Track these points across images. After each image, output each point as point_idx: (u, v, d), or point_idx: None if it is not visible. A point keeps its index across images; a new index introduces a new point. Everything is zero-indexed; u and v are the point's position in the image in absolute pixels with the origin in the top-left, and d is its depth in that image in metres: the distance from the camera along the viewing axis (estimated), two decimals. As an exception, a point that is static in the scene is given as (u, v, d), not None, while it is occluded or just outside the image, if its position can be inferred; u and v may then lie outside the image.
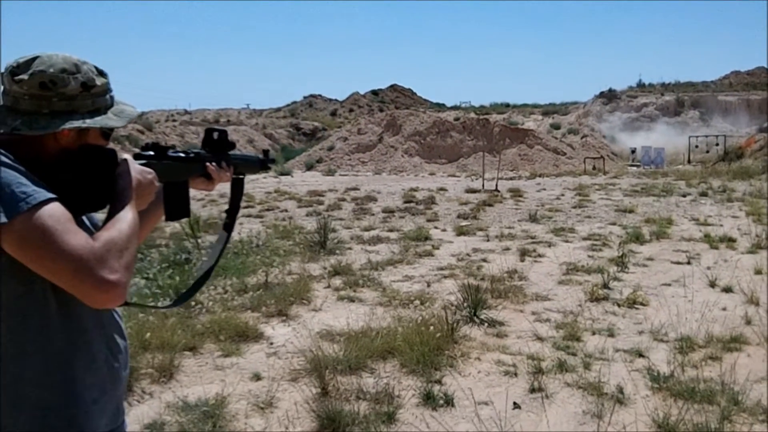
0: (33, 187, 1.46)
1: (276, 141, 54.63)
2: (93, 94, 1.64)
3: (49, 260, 1.44)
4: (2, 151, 1.51)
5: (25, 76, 1.56)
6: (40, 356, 1.58)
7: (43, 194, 1.47)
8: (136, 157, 1.82)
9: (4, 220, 1.42)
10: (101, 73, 1.69)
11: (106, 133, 1.73)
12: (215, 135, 2.13)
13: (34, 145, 1.60)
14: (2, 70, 1.62)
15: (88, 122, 1.62)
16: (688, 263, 9.53)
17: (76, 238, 1.46)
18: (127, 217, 1.59)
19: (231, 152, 2.18)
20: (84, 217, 1.75)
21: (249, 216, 15.83)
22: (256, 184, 24.66)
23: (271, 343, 6.03)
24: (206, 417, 4.37)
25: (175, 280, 7.43)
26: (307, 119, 71.05)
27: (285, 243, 11.14)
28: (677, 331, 6.20)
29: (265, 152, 2.48)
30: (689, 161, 38.71)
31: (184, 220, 9.95)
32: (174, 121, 59.59)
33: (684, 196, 18.89)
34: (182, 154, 2.00)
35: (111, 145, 1.74)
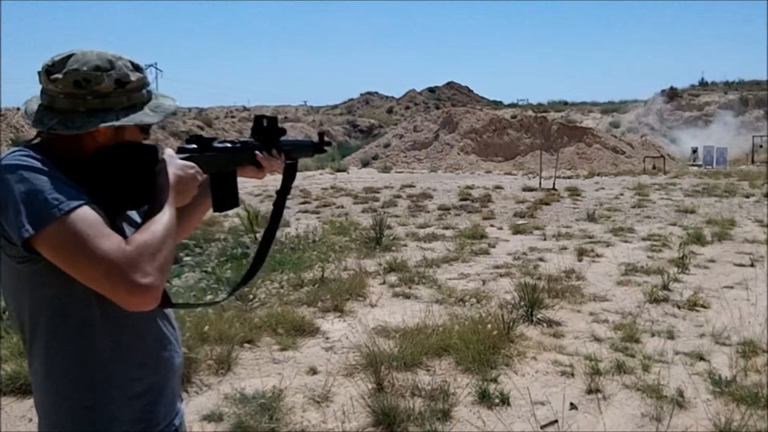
0: (65, 193, 1.47)
1: (333, 138, 54.84)
2: (128, 90, 1.63)
3: (83, 265, 1.45)
4: (36, 155, 1.52)
5: (59, 75, 1.56)
6: (81, 355, 1.60)
7: (75, 200, 1.47)
8: (180, 150, 1.81)
9: (33, 231, 1.43)
10: (137, 68, 1.67)
11: (145, 128, 1.72)
12: (265, 122, 2.11)
13: (71, 144, 1.60)
14: (39, 69, 1.61)
15: (123, 120, 1.61)
16: (752, 265, 9.29)
17: (108, 242, 1.46)
18: (162, 218, 1.58)
19: (282, 138, 2.16)
20: (129, 213, 1.75)
21: (306, 212, 15.98)
22: (313, 180, 24.83)
23: (327, 338, 6.08)
24: (263, 409, 4.42)
25: (233, 274, 7.54)
26: (363, 116, 71.27)
27: (341, 239, 11.19)
28: (740, 335, 6.05)
29: (320, 134, 2.45)
30: (753, 161, 37.66)
31: (243, 214, 10.11)
32: (233, 117, 60.44)
33: (747, 197, 18.37)
34: (228, 144, 1.98)
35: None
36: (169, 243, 1.56)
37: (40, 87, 1.62)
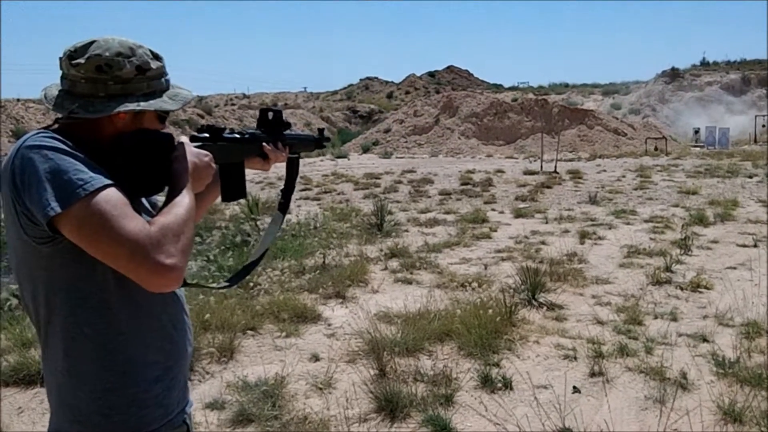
0: (90, 174, 1.48)
1: (333, 124, 54.76)
2: (148, 77, 1.65)
3: (106, 245, 1.46)
4: (59, 137, 1.53)
5: (81, 60, 1.58)
6: (100, 338, 1.61)
7: (100, 180, 1.48)
8: (192, 139, 1.83)
9: (60, 209, 1.44)
10: (156, 57, 1.69)
11: (162, 116, 1.74)
12: (270, 115, 2.13)
13: (91, 129, 1.62)
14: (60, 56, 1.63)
15: (143, 105, 1.63)
16: (755, 246, 9.27)
17: (132, 223, 1.47)
18: (183, 201, 1.60)
19: (286, 132, 2.17)
20: (144, 200, 1.77)
21: (306, 198, 15.96)
22: (314, 167, 24.77)
23: (329, 325, 6.07)
24: (266, 397, 4.42)
25: (234, 261, 7.53)
26: (363, 102, 71.00)
27: (342, 225, 11.20)
28: (743, 316, 6.04)
29: (320, 131, 2.49)
30: (755, 141, 37.52)
31: (243, 202, 10.10)
32: (233, 105, 60.33)
33: (750, 177, 18.31)
34: (238, 135, 2.00)
35: (171, 128, 1.74)
36: (190, 226, 1.59)
37: (60, 73, 1.64)
